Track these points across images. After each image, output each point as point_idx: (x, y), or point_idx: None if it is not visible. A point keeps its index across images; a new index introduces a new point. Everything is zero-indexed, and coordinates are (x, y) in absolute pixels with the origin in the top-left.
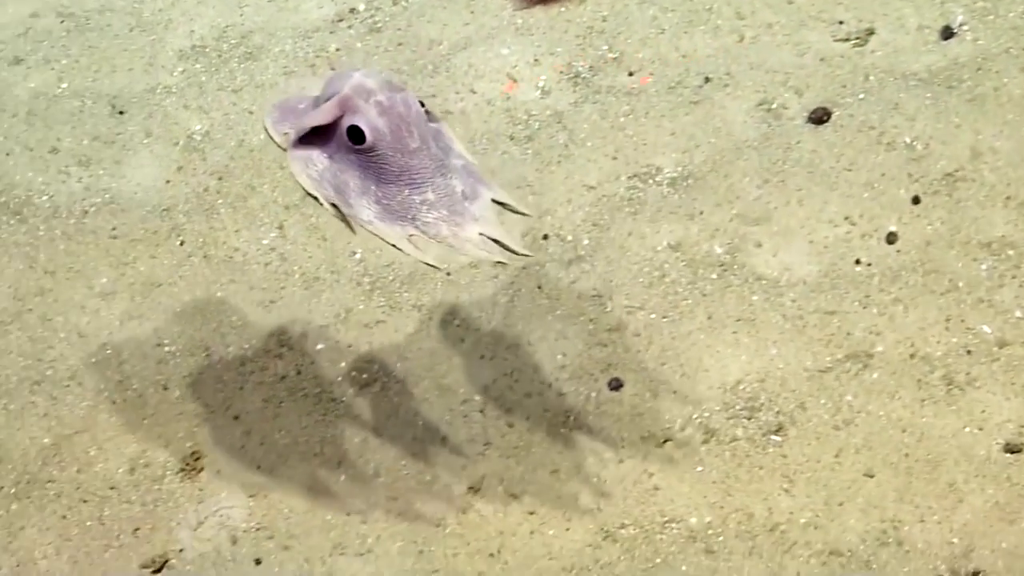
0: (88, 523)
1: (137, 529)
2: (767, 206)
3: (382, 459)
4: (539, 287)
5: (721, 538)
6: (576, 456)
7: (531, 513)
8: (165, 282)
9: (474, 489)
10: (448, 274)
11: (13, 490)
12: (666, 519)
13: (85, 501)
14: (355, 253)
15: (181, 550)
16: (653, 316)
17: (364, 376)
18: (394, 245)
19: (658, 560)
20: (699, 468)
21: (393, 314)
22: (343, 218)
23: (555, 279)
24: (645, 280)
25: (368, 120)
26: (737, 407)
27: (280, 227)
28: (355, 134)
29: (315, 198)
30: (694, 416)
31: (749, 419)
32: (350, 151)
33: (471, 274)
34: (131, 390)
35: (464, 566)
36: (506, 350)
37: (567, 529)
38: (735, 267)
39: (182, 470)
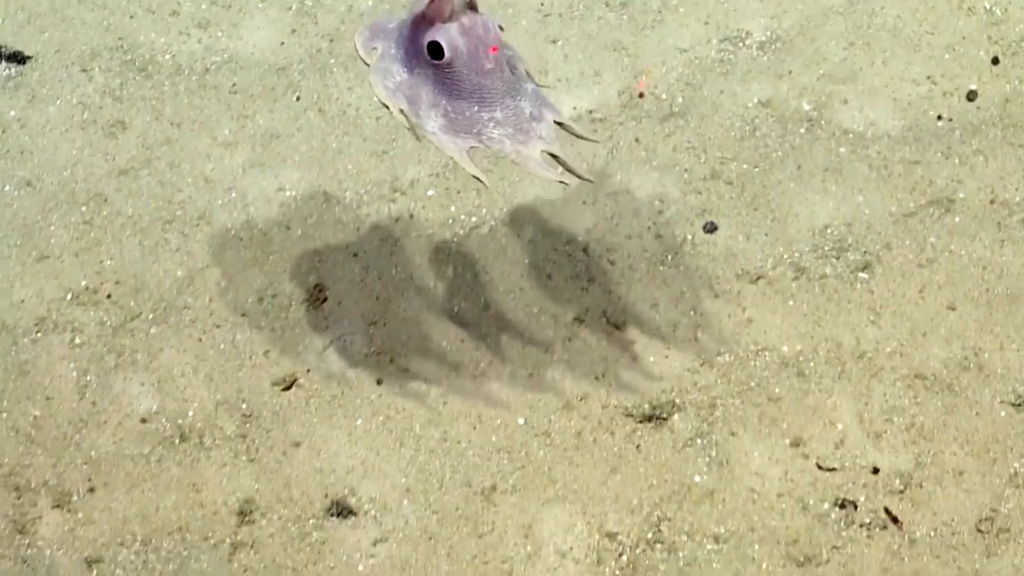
0: (222, 346)
1: (267, 352)
2: (852, 67)
3: (491, 293)
4: (636, 140)
5: (812, 364)
6: (673, 292)
7: (632, 342)
8: (283, 133)
9: (579, 320)
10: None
11: (152, 316)
12: (759, 347)
13: (218, 326)
14: None
15: (308, 371)
16: (745, 166)
17: (473, 219)
18: (451, 156)
19: (752, 384)
20: (790, 302)
21: (499, 164)
22: (411, 127)
23: (651, 133)
24: (737, 134)
25: (448, 38)
26: (826, 248)
27: None
28: (434, 50)
29: (387, 107)
30: (785, 256)
31: (837, 258)
32: (428, 66)
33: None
34: (256, 229)
35: (572, 388)
36: (607, 196)
37: (666, 356)
38: (822, 122)
39: (306, 300)
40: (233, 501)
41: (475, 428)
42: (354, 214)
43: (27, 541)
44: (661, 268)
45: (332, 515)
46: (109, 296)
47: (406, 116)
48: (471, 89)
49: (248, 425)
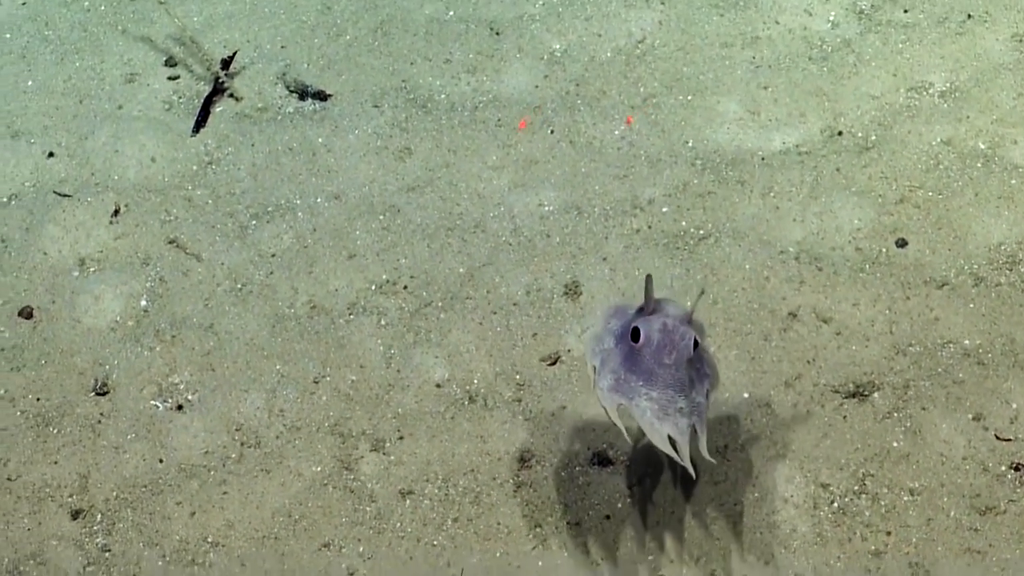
0: (498, 328)
1: (535, 334)
2: (1021, 114)
3: (717, 291)
4: (837, 169)
5: (989, 355)
6: (871, 294)
7: (838, 334)
8: (541, 160)
9: (793, 314)
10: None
11: (441, 304)
12: (945, 341)
13: (495, 313)
14: (688, 142)
15: (569, 350)
16: (930, 194)
17: (701, 232)
18: (603, 406)
19: (940, 370)
20: (971, 305)
21: (721, 187)
22: (592, 375)
23: (850, 164)
24: (923, 167)
25: (648, 329)
26: (1000, 261)
27: (628, 121)
28: (635, 333)
29: (587, 361)
30: (965, 267)
31: (1011, 270)
32: (627, 344)
33: (781, 158)
34: (522, 236)
35: (788, 369)
36: (813, 215)
37: (866, 346)
38: (996, 158)
39: (565, 293)
40: (514, 450)
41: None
42: (602, 225)
43: (352, 476)
44: (860, 275)
45: (594, 464)
46: (406, 287)
47: (595, 371)
48: (645, 369)
49: (522, 392)
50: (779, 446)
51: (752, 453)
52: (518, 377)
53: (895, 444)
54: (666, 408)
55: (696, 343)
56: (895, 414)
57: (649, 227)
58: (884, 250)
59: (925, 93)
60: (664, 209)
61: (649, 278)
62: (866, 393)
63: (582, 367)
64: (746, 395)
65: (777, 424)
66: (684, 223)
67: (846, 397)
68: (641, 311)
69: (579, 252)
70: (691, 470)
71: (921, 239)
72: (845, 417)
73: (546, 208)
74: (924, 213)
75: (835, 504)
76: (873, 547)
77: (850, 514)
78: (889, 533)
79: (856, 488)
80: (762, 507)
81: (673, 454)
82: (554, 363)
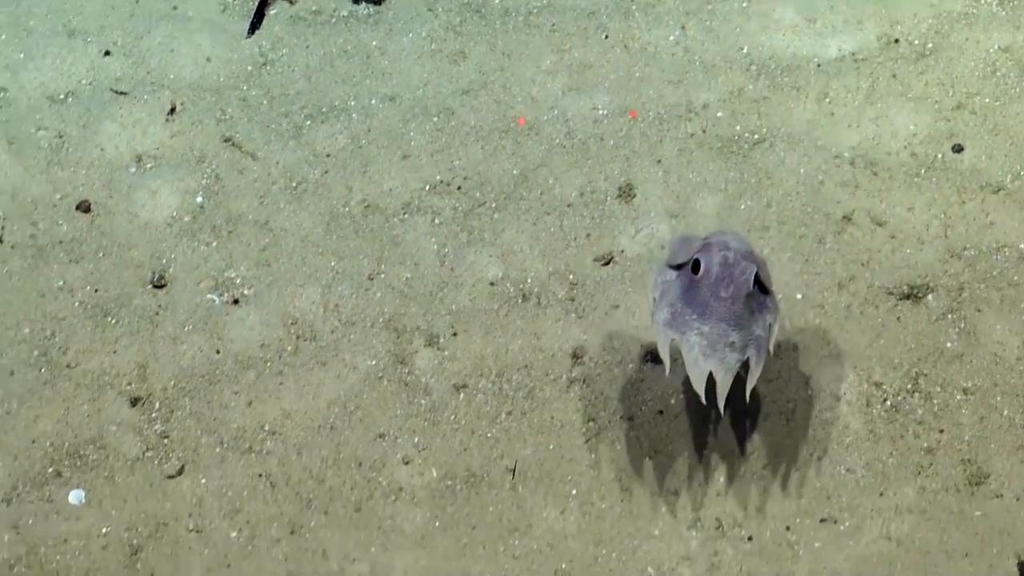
0: (551, 229)
1: (588, 235)
2: None
3: (772, 194)
4: (894, 76)
5: None
6: (927, 198)
7: (892, 237)
8: (595, 65)
9: (847, 218)
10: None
11: (494, 204)
12: (1000, 244)
13: (548, 214)
14: (742, 48)
15: (622, 251)
16: (987, 100)
17: (756, 136)
18: (658, 340)
19: (995, 272)
20: None
21: (776, 92)
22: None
23: (906, 71)
24: (980, 74)
25: (708, 261)
26: None
27: (683, 27)
28: (695, 265)
29: (648, 293)
30: (1021, 172)
31: None
32: (687, 276)
33: (837, 65)
34: (576, 139)
35: (841, 271)
36: (869, 121)
37: (920, 250)
38: None
39: (619, 196)
40: (567, 347)
41: None
42: (656, 129)
43: (407, 370)
44: (916, 179)
45: (647, 361)
46: (459, 188)
47: (654, 303)
48: (700, 302)
49: (575, 291)
50: (832, 346)
51: (805, 353)
52: (571, 277)
53: (949, 345)
54: (715, 344)
55: (757, 278)
56: (949, 315)
57: (703, 131)
58: (940, 155)
59: (982, 0)
60: (719, 114)
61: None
62: (920, 295)
63: (635, 267)
64: (799, 296)
65: (830, 325)
66: (738, 128)
67: (900, 299)
68: (705, 246)
69: (633, 155)
70: (721, 408)
71: (977, 145)
72: (899, 318)
73: (600, 112)
74: (980, 119)
75: (888, 402)
76: (925, 444)
77: (903, 412)
78: (942, 431)
79: (909, 387)
80: (815, 405)
81: (702, 396)
82: (607, 263)
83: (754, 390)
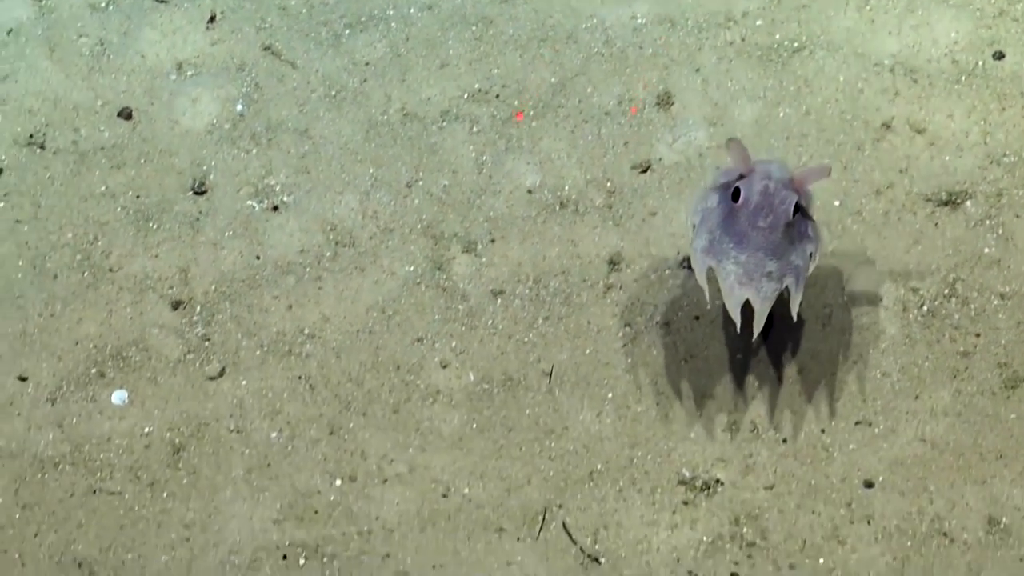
0: (589, 137)
1: (627, 143)
2: None
3: (810, 102)
4: None
5: None
6: (966, 105)
7: (931, 144)
8: None
9: (886, 125)
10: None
11: (532, 112)
12: None
13: (586, 122)
14: None
15: (660, 159)
16: None
17: (795, 44)
18: (695, 268)
19: None
20: None
21: (815, 0)
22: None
23: None
24: None
25: (748, 191)
26: None
27: None
28: (736, 193)
29: (686, 220)
30: None
31: None
32: (728, 203)
33: None
34: (615, 48)
35: (880, 178)
36: (909, 28)
37: (960, 157)
38: None
39: (657, 104)
40: (604, 254)
41: None
42: (695, 38)
43: (444, 276)
44: (956, 86)
45: (684, 267)
46: (497, 96)
47: (693, 230)
48: (738, 231)
49: (613, 198)
50: (870, 252)
51: (842, 259)
52: (609, 184)
53: (986, 250)
54: (751, 273)
55: (797, 207)
56: (987, 221)
57: (743, 39)
58: (980, 63)
59: None
60: (758, 22)
61: (737, 143)
62: (958, 201)
63: (673, 175)
64: (837, 203)
65: (868, 231)
66: (778, 36)
67: (938, 205)
68: (747, 174)
69: (671, 63)
70: (756, 334)
71: (1018, 52)
72: (937, 224)
73: (639, 20)
74: (1022, 27)
75: (924, 307)
76: (962, 348)
77: (939, 317)
78: (978, 335)
79: (946, 292)
80: (851, 310)
81: (738, 323)
82: (645, 171)
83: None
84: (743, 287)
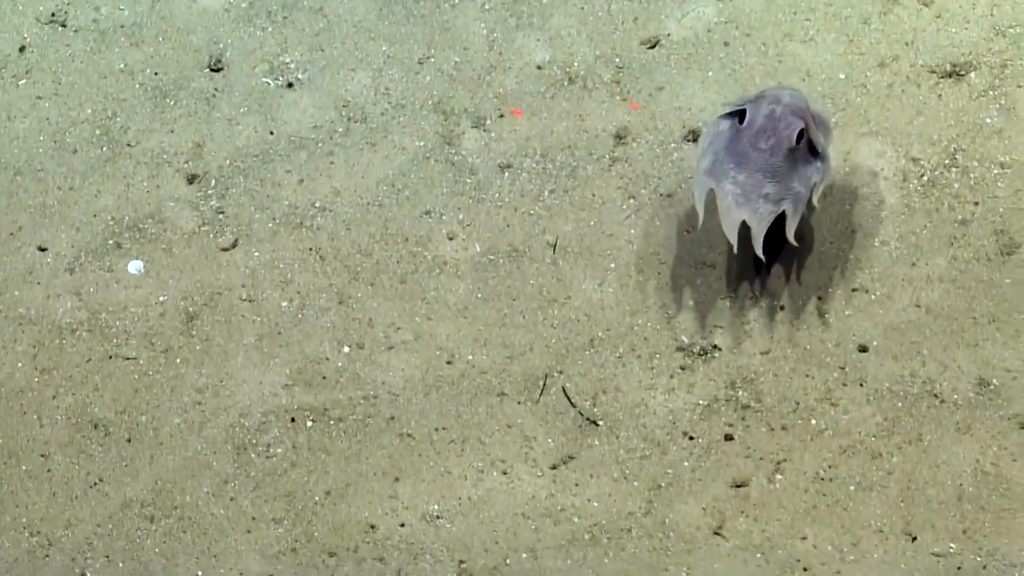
0: (599, 13)
1: (636, 18)
2: None
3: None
4: None
5: None
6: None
7: (937, 16)
8: None
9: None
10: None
11: None
12: None
13: None
14: None
15: (668, 34)
16: None
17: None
18: (696, 186)
19: None
20: None
21: None
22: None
23: None
24: None
25: (754, 112)
26: None
27: None
28: (742, 115)
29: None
30: None
31: None
32: (735, 127)
33: None
34: None
35: (885, 51)
36: None
37: (966, 28)
38: None
39: None
40: (611, 128)
41: (803, 80)
42: None
43: (453, 151)
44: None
45: (688, 140)
46: None
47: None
48: (739, 152)
49: (621, 73)
50: (872, 123)
51: (845, 130)
52: (617, 60)
53: (988, 120)
54: (749, 193)
55: (802, 134)
56: (990, 92)
57: None
58: None
59: None
60: None
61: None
62: (962, 72)
63: (681, 50)
64: (842, 76)
65: (871, 103)
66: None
67: (942, 77)
68: (757, 98)
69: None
70: (760, 256)
71: None
72: (940, 96)
73: None
74: None
75: (924, 177)
76: (960, 216)
77: (939, 186)
78: (977, 203)
79: (947, 162)
80: (852, 181)
81: (734, 245)
82: (654, 47)
83: None
84: (740, 207)
